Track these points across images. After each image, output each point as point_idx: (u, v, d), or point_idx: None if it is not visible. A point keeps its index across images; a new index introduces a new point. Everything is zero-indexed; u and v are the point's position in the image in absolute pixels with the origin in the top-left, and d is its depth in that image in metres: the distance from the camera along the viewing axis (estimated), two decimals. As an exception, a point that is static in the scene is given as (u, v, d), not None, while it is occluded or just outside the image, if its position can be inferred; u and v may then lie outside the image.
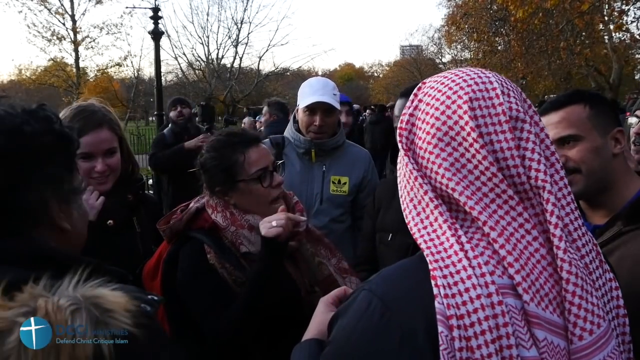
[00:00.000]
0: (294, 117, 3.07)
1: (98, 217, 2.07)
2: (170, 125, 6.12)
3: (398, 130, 1.15)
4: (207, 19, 35.67)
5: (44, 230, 1.15)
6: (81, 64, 32.89)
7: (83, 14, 31.31)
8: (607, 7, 15.03)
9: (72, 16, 30.85)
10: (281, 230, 1.85)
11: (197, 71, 37.60)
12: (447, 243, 1.00)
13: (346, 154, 3.05)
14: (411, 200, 1.09)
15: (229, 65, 38.05)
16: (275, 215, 1.90)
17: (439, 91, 1.10)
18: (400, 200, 1.14)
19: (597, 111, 1.73)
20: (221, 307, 1.86)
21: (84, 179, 1.32)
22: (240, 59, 38.03)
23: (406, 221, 1.09)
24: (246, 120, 12.74)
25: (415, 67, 49.53)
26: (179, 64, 36.73)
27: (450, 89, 1.09)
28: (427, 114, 1.09)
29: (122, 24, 32.43)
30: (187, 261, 1.96)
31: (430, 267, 0.99)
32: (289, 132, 3.06)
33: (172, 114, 6.10)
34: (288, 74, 40.20)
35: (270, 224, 1.86)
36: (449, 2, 31.56)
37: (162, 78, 19.37)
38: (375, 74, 72.85)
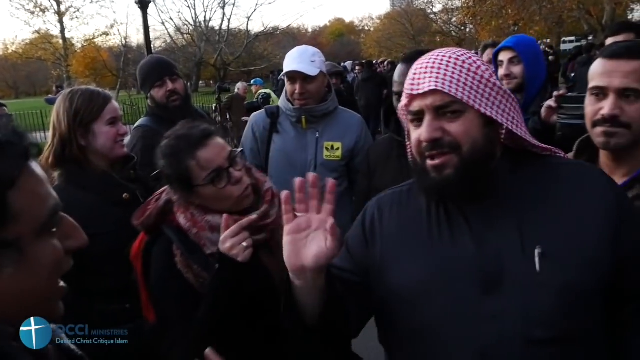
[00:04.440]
0: (285, 88, 3.15)
1: (115, 192, 2.29)
2: (152, 111, 3.39)
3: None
4: (192, -19, 34.88)
5: None
6: (67, 35, 32.42)
7: (65, -17, 30.62)
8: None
9: (54, -14, 30.28)
10: (246, 254, 1.76)
11: (185, 35, 37.15)
12: None
13: (339, 120, 3.12)
14: None
15: (217, 28, 37.55)
16: (238, 235, 1.77)
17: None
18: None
19: None
20: (185, 319, 1.83)
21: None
22: (229, 20, 37.57)
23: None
24: (239, 85, 12.72)
25: (406, 19, 48.85)
26: (167, 29, 36.28)
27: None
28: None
29: (106, -9, 31.57)
30: (156, 264, 1.93)
31: None
32: (281, 102, 3.15)
33: (157, 93, 3.29)
34: (278, 33, 39.73)
35: (243, 247, 1.76)
36: (437, -51, 30.91)
37: (151, 45, 19.18)
38: (367, 28, 71.97)
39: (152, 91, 3.29)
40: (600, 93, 1.70)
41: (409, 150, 1.47)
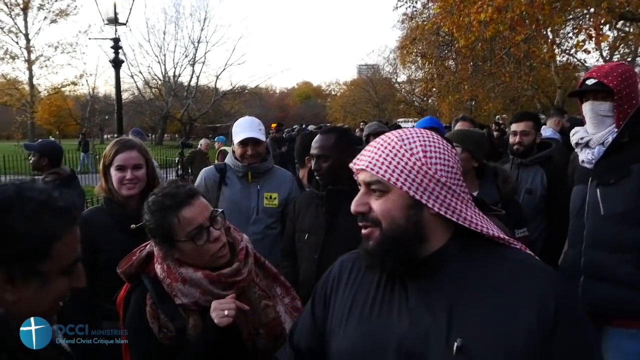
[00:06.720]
0: (232, 149, 3.87)
1: (124, 221, 2.75)
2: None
3: None
4: (164, 38, 35.62)
5: None
6: (35, 82, 32.44)
7: (37, 33, 30.99)
8: (549, 35, 15.97)
9: (26, 35, 30.56)
10: (231, 320, 1.97)
11: (153, 89, 37.47)
12: None
13: (275, 175, 3.85)
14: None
15: (186, 84, 38.06)
16: (227, 304, 2.00)
17: None
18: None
19: None
20: None
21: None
22: (198, 77, 38.15)
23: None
24: (202, 141, 13.18)
25: (371, 86, 50.43)
26: (135, 82, 36.58)
27: None
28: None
29: (77, 43, 31.98)
30: (130, 310, 2.11)
31: None
32: (229, 160, 3.85)
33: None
34: (246, 92, 40.47)
35: (223, 313, 1.97)
36: (402, 24, 32.40)
37: (122, 100, 19.39)
38: (333, 92, 73.55)
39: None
40: None
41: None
